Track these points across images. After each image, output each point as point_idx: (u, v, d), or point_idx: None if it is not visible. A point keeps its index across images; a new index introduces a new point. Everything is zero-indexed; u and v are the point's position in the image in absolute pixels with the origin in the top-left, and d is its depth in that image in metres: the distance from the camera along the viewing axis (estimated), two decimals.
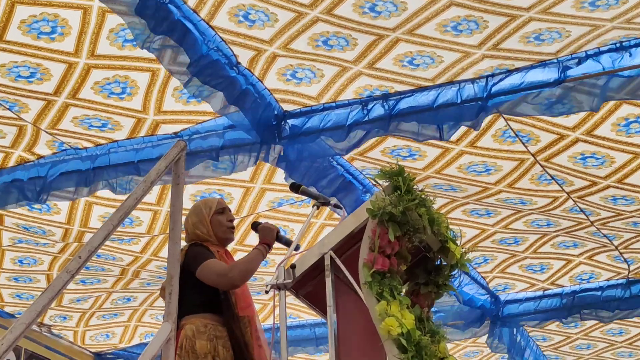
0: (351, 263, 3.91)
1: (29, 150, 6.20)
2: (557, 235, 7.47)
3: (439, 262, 4.23)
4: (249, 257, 4.31)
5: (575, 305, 8.13)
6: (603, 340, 9.25)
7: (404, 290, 4.05)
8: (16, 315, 8.29)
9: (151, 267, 7.66)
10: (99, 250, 6.85)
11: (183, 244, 4.13)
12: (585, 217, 7.05)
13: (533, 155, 6.33)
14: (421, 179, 6.52)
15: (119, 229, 6.68)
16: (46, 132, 6.00)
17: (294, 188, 4.69)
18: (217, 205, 4.54)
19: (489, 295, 8.30)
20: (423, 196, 4.01)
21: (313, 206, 4.47)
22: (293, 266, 3.95)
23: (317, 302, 4.16)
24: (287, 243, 4.46)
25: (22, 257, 7.58)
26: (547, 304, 8.27)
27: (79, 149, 6.21)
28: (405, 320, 3.71)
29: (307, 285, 4.08)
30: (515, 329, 8.47)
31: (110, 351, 9.08)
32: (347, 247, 4.02)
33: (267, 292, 3.96)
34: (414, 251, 4.06)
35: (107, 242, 6.67)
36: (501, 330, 8.36)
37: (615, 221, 7.09)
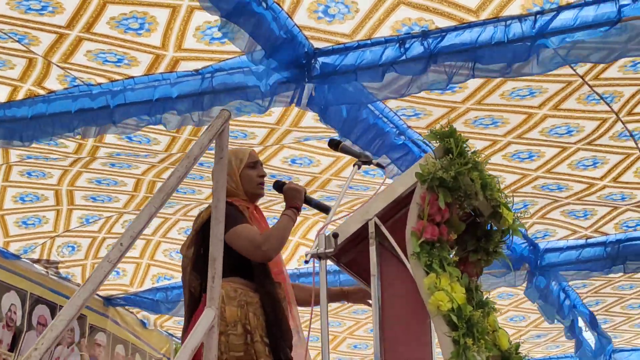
0: (397, 230, 3.90)
1: (39, 84, 6.22)
2: (605, 187, 7.48)
3: (488, 227, 4.24)
4: (280, 225, 4.22)
5: (620, 255, 8.16)
6: None
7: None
8: (22, 256, 8.43)
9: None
10: (114, 160, 6.86)
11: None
12: (634, 145, 6.94)
13: (581, 77, 6.19)
14: (461, 112, 6.51)
15: (137, 147, 6.67)
16: (57, 65, 6.01)
17: (333, 145, 4.65)
18: (249, 158, 4.42)
19: (527, 243, 8.37)
20: (476, 159, 4.00)
21: (354, 165, 4.42)
22: (335, 235, 3.92)
23: (358, 270, 4.19)
24: (317, 206, 4.42)
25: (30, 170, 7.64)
26: (589, 254, 8.32)
27: (92, 85, 6.22)
28: (455, 294, 3.70)
29: (348, 252, 4.08)
30: (553, 280, 8.53)
31: (120, 295, 9.20)
32: (393, 213, 4.01)
33: (307, 262, 3.97)
34: (464, 218, 4.08)
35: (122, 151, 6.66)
36: (538, 279, 8.43)
37: None
